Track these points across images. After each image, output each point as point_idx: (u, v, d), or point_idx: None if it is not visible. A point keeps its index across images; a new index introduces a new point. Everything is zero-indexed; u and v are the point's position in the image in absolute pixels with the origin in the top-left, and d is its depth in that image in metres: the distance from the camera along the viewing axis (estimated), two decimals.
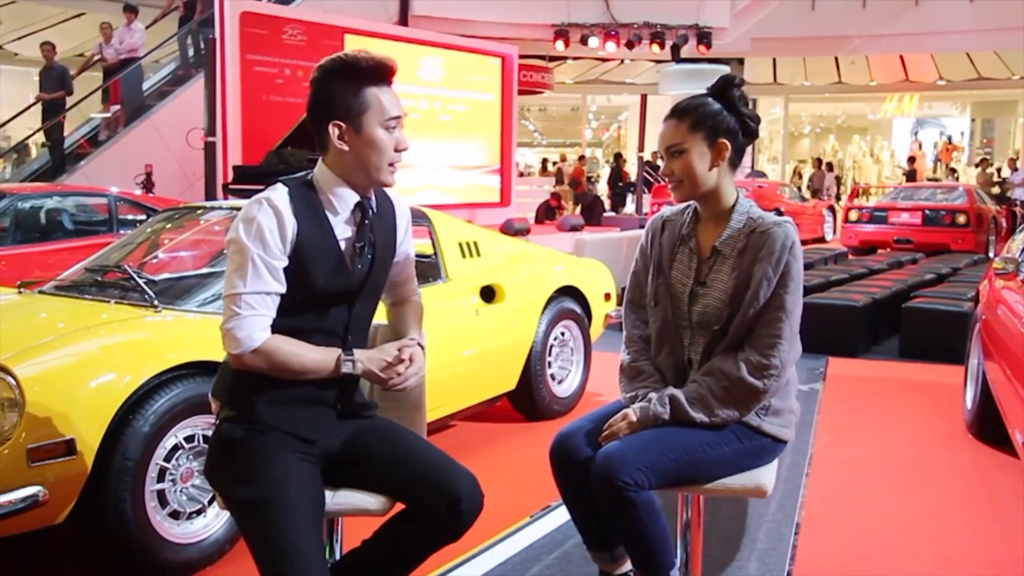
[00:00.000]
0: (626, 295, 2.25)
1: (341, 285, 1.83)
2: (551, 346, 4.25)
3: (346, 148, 1.80)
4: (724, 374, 1.99)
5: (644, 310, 2.19)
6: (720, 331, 2.03)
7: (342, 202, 1.84)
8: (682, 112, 2.04)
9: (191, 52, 10.87)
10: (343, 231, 1.84)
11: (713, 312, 2.03)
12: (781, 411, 2.07)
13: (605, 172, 22.04)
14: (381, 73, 1.81)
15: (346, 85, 1.79)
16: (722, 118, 2.03)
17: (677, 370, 2.10)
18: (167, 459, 2.51)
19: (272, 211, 1.75)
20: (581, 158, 20.69)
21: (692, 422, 1.98)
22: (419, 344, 1.92)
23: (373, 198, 1.89)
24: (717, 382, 1.99)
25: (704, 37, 14.38)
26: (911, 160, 22.63)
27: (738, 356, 1.99)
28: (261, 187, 1.86)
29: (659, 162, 17.03)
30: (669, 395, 2.00)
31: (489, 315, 3.84)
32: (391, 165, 1.83)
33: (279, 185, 1.81)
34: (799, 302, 2.01)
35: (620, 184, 20.11)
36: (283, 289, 1.77)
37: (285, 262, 1.76)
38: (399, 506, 1.86)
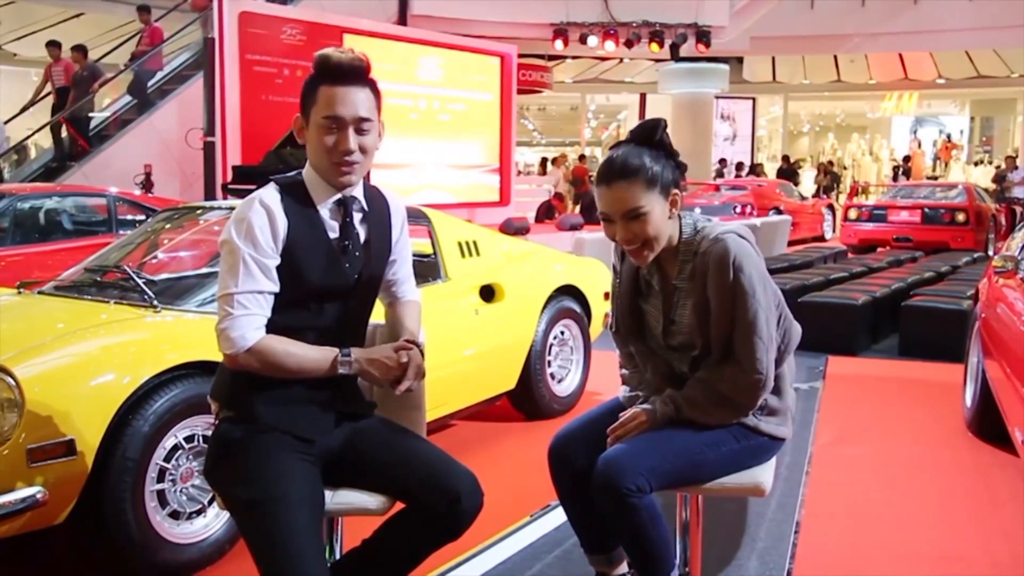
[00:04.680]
0: (612, 311, 2.21)
1: (335, 282, 1.83)
2: (551, 345, 4.25)
3: (302, 142, 1.84)
4: (715, 389, 1.98)
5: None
6: (700, 354, 2.02)
7: (323, 198, 1.84)
8: (632, 171, 1.87)
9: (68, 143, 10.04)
10: (334, 228, 1.85)
11: (688, 343, 2.02)
12: (777, 410, 2.07)
13: None
14: (341, 72, 1.79)
15: (313, 80, 1.81)
16: (668, 169, 1.91)
17: (666, 381, 2.09)
18: (167, 459, 2.51)
19: (263, 210, 1.76)
20: (582, 157, 20.69)
21: (693, 423, 1.99)
22: (417, 345, 1.92)
23: (360, 195, 1.89)
24: (712, 393, 1.98)
25: (703, 36, 14.36)
26: (906, 159, 22.70)
27: (724, 373, 1.97)
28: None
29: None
30: (671, 396, 2.01)
31: (489, 314, 3.84)
32: (337, 165, 1.80)
33: (271, 184, 1.83)
34: (763, 305, 1.92)
35: None
36: (276, 288, 1.77)
37: (277, 260, 1.77)
38: (399, 505, 1.86)
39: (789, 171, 19.87)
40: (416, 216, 3.75)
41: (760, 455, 2.06)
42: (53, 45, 10.44)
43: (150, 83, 10.42)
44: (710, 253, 1.92)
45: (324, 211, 1.84)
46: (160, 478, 2.50)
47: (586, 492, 1.96)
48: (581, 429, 2.09)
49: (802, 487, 3.33)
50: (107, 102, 10.96)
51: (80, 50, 10.16)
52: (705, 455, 1.96)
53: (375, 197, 1.94)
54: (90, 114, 10.31)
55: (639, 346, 2.13)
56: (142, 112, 10.06)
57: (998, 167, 19.06)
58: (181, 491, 2.56)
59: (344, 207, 1.86)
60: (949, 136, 26.26)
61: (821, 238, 14.78)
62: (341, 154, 1.79)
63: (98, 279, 3.28)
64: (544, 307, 4.18)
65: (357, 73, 1.80)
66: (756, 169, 20.46)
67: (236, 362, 1.76)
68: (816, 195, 19.00)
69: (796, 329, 2.10)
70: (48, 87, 10.50)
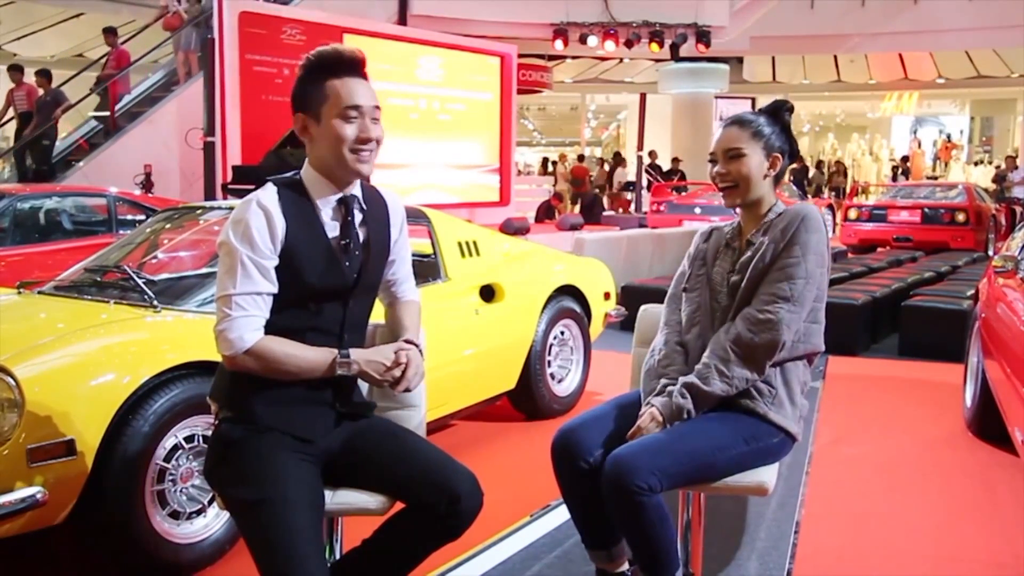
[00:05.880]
0: (670, 290, 2.30)
1: (333, 283, 1.83)
2: (551, 345, 4.25)
3: (309, 139, 1.82)
4: (725, 338, 2.04)
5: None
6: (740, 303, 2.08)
7: (325, 198, 1.84)
8: (744, 122, 2.16)
9: None
10: (333, 228, 1.85)
11: (737, 290, 2.10)
12: (786, 402, 2.08)
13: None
14: (343, 64, 1.81)
15: (311, 78, 1.81)
16: (777, 136, 2.16)
17: (702, 353, 2.12)
18: (167, 459, 2.51)
19: (261, 211, 1.76)
20: (580, 157, 20.71)
21: (714, 398, 2.00)
22: (416, 345, 1.91)
23: (359, 194, 1.89)
24: (720, 347, 2.03)
25: (703, 36, 14.36)
26: (904, 159, 22.75)
27: (740, 316, 2.05)
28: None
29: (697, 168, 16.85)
30: (685, 385, 2.02)
31: (489, 314, 3.84)
32: (356, 153, 1.80)
33: (269, 185, 1.82)
34: (807, 270, 2.02)
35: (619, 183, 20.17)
36: (274, 289, 1.77)
37: (275, 261, 1.76)
38: (399, 505, 1.86)
39: (802, 170, 20.02)
40: (416, 216, 3.75)
41: (768, 458, 2.06)
42: (15, 69, 10.14)
43: (118, 106, 10.26)
44: (789, 211, 2.12)
45: (325, 211, 1.84)
46: (160, 478, 2.50)
47: (589, 487, 1.97)
48: (587, 425, 2.09)
49: (802, 487, 3.33)
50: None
51: (44, 75, 9.92)
52: (715, 457, 1.97)
53: (374, 197, 1.94)
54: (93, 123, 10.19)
55: (691, 304, 2.18)
56: (109, 136, 9.87)
57: (998, 167, 19.08)
58: (181, 491, 2.56)
59: (345, 206, 1.86)
60: (949, 136, 26.26)
61: None
62: (361, 142, 1.80)
63: (98, 279, 3.28)
64: (544, 307, 4.18)
65: (361, 66, 1.83)
66: None
67: (235, 364, 1.76)
68: (836, 194, 19.05)
69: (819, 339, 2.13)
70: (11, 111, 10.15)
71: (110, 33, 10.51)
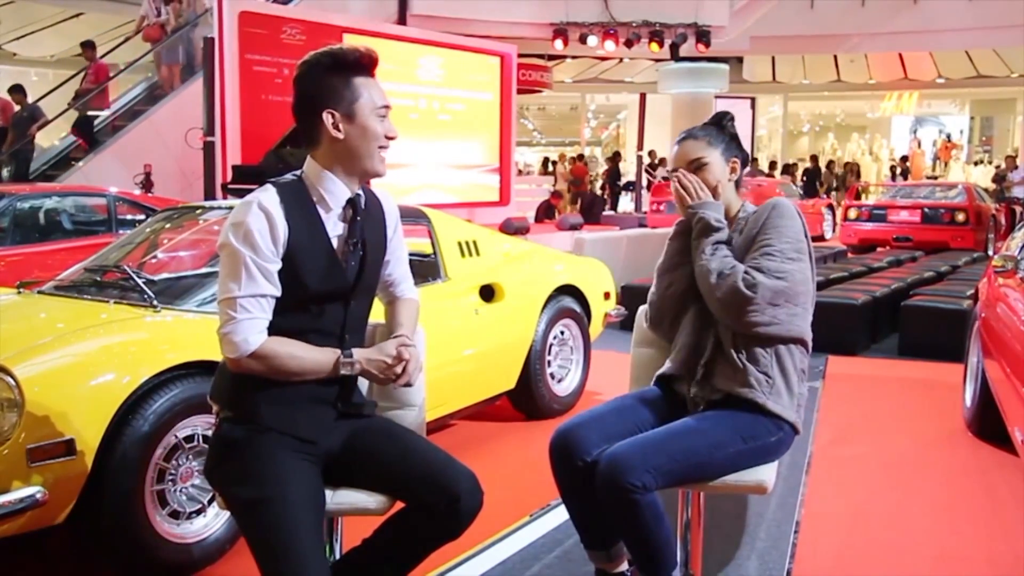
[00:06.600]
0: (658, 263, 2.30)
1: (335, 285, 1.83)
2: (550, 345, 4.25)
3: (340, 136, 1.81)
4: (728, 262, 2.05)
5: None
6: None
7: (333, 198, 1.84)
8: (695, 135, 2.23)
9: None
10: (335, 228, 1.85)
11: None
12: (783, 392, 2.08)
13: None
14: (366, 64, 1.84)
15: (335, 76, 1.81)
16: (727, 144, 2.24)
17: (692, 352, 2.15)
18: (167, 459, 2.51)
19: (263, 214, 1.75)
20: (580, 156, 20.69)
21: (705, 244, 2.07)
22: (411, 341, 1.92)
23: (363, 195, 1.89)
24: (725, 262, 2.05)
25: (703, 36, 14.35)
26: (903, 159, 22.80)
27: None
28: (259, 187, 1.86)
29: (659, 172, 16.91)
30: (714, 218, 2.10)
31: (488, 314, 3.84)
32: (381, 151, 1.85)
33: (269, 187, 1.81)
34: (784, 250, 2.04)
35: (618, 183, 20.18)
36: (277, 292, 1.77)
37: (278, 264, 1.76)
38: (399, 505, 1.86)
39: (815, 170, 20.18)
40: (416, 216, 3.75)
41: (767, 456, 2.06)
42: None
43: (97, 121, 10.13)
44: (762, 207, 2.17)
45: (333, 211, 1.84)
46: (160, 478, 2.50)
47: (587, 487, 1.97)
48: (586, 424, 2.09)
49: (802, 487, 3.33)
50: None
51: (19, 91, 9.79)
52: (712, 456, 1.97)
53: (369, 196, 1.94)
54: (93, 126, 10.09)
55: (682, 308, 2.21)
56: (90, 150, 9.75)
57: (998, 167, 19.06)
58: (181, 491, 2.56)
59: (353, 206, 1.86)
60: (949, 136, 26.25)
61: (821, 238, 14.78)
62: (389, 140, 1.86)
63: (98, 279, 3.28)
64: (544, 307, 4.18)
65: (376, 63, 1.88)
66: (790, 169, 20.82)
67: (240, 366, 1.75)
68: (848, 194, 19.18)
69: (803, 323, 2.11)
70: None
71: (88, 48, 10.40)
